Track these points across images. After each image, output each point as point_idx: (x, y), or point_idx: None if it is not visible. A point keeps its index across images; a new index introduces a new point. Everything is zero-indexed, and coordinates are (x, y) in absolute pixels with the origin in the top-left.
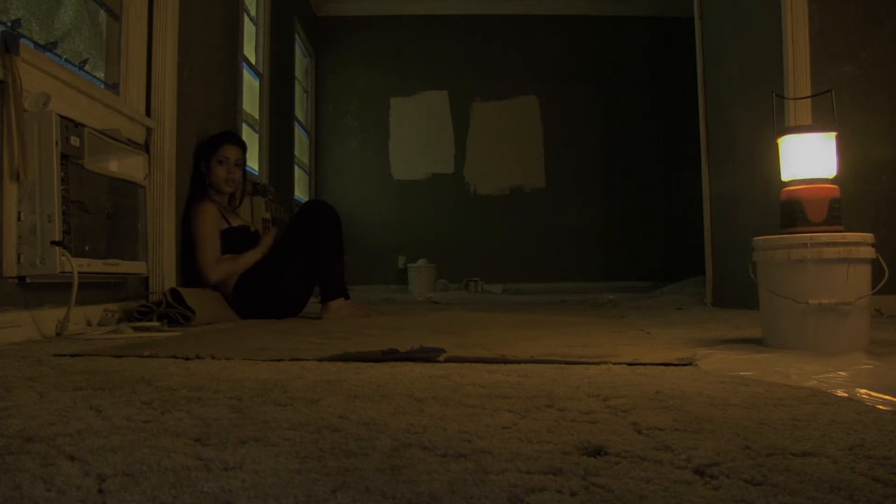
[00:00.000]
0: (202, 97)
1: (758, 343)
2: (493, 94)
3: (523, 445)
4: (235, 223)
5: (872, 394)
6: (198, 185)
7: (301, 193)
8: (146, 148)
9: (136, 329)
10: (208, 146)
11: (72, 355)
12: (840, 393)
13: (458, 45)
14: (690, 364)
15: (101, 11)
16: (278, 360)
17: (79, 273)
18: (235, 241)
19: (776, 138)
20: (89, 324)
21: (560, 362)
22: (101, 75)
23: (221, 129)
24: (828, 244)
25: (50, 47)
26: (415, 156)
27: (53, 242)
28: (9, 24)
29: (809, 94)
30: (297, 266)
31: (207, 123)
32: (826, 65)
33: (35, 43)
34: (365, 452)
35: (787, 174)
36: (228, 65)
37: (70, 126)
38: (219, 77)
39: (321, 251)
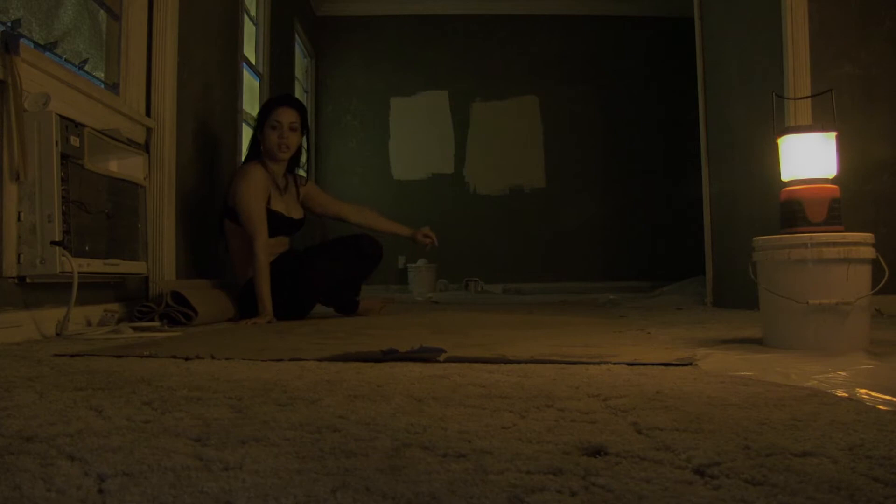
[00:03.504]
0: (202, 97)
1: (758, 343)
2: (493, 94)
3: (523, 445)
4: (278, 206)
5: (872, 394)
6: (253, 153)
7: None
8: (146, 148)
9: (135, 329)
10: (262, 111)
11: (72, 355)
12: (840, 393)
13: (458, 45)
14: (690, 364)
15: (101, 11)
16: (278, 360)
17: (79, 273)
18: (271, 225)
19: (776, 138)
20: (89, 324)
21: (560, 362)
22: (101, 75)
23: (222, 128)
24: (828, 244)
25: (50, 47)
26: (415, 156)
27: (53, 242)
28: (9, 24)
29: (809, 94)
30: (335, 279)
31: (207, 123)
32: (826, 65)
33: (35, 43)
34: (365, 452)
35: (787, 174)
36: (228, 65)
37: (70, 126)
38: (219, 77)
39: (358, 277)
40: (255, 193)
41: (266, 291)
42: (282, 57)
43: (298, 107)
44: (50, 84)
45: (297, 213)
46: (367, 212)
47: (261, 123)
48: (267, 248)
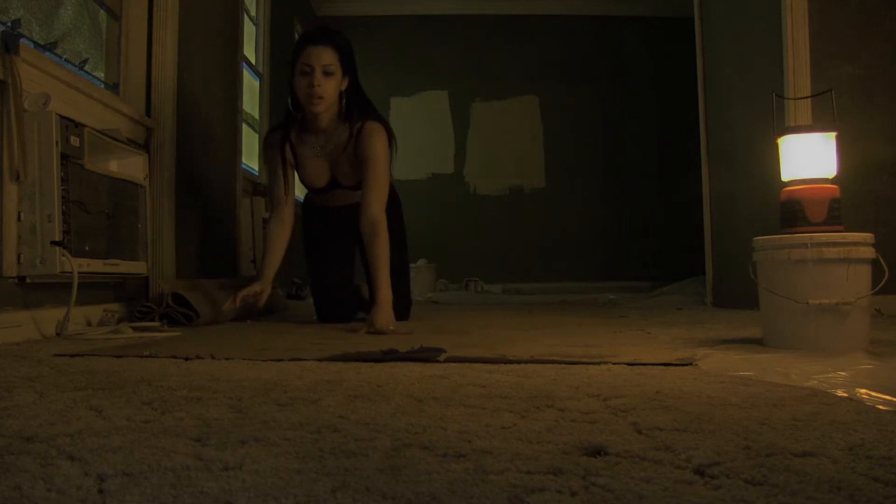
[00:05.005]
0: (202, 97)
1: (758, 343)
2: (493, 94)
3: (523, 445)
4: (308, 172)
5: (872, 394)
6: (288, 109)
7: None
8: (146, 148)
9: (135, 329)
10: (293, 54)
11: (72, 355)
12: (840, 393)
13: (459, 45)
14: (690, 364)
15: (101, 11)
16: (278, 360)
17: (79, 273)
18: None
19: (776, 138)
20: (89, 324)
21: (560, 362)
22: (101, 75)
23: (222, 128)
24: (828, 244)
25: (50, 47)
26: (415, 156)
27: (53, 242)
28: (9, 24)
29: (809, 94)
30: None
31: (207, 123)
32: (826, 65)
33: (35, 43)
34: (365, 452)
35: (787, 174)
36: (228, 65)
37: (70, 126)
38: (219, 77)
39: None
40: (268, 164)
41: (267, 259)
42: (282, 57)
43: (336, 42)
44: (50, 84)
45: (349, 176)
46: (375, 234)
47: (292, 71)
48: (281, 220)
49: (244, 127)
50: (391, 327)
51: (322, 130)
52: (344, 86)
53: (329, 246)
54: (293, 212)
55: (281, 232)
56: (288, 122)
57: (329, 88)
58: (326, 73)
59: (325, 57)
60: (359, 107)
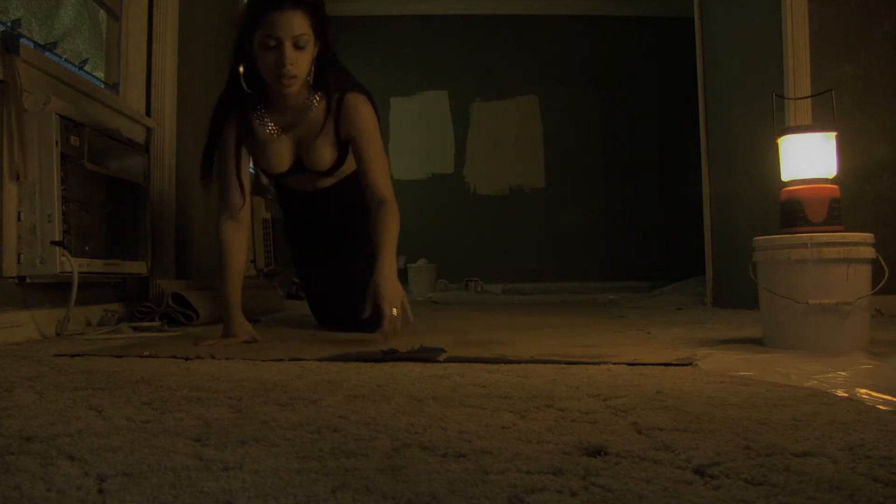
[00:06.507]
0: (202, 97)
1: (758, 343)
2: (493, 94)
3: (523, 445)
4: (268, 160)
5: (872, 394)
6: (232, 91)
7: None
8: (146, 148)
9: (136, 329)
10: (247, 20)
11: (72, 355)
12: (840, 393)
13: (458, 45)
14: (690, 364)
15: (101, 11)
16: (278, 360)
17: (79, 273)
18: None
19: (776, 138)
20: (89, 324)
21: (560, 362)
22: (101, 75)
23: None
24: (828, 244)
25: (50, 47)
26: (415, 156)
27: (53, 242)
28: (9, 24)
29: (809, 94)
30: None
31: (207, 123)
32: (826, 65)
33: (35, 43)
34: (365, 452)
35: (787, 174)
36: (228, 64)
37: (70, 126)
38: (219, 77)
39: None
40: (221, 157)
41: (230, 281)
42: None
43: (307, 4)
44: (50, 84)
45: (322, 160)
46: (382, 214)
47: (246, 41)
48: (238, 222)
49: None
50: (396, 308)
51: (289, 108)
52: (315, 52)
53: (314, 245)
54: (249, 209)
55: (239, 237)
56: (242, 102)
57: (303, 64)
58: (298, 47)
59: (297, 25)
60: (333, 75)
